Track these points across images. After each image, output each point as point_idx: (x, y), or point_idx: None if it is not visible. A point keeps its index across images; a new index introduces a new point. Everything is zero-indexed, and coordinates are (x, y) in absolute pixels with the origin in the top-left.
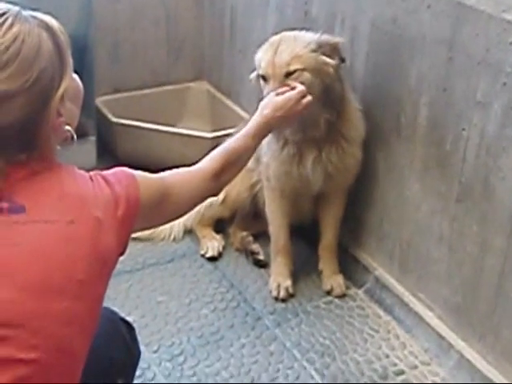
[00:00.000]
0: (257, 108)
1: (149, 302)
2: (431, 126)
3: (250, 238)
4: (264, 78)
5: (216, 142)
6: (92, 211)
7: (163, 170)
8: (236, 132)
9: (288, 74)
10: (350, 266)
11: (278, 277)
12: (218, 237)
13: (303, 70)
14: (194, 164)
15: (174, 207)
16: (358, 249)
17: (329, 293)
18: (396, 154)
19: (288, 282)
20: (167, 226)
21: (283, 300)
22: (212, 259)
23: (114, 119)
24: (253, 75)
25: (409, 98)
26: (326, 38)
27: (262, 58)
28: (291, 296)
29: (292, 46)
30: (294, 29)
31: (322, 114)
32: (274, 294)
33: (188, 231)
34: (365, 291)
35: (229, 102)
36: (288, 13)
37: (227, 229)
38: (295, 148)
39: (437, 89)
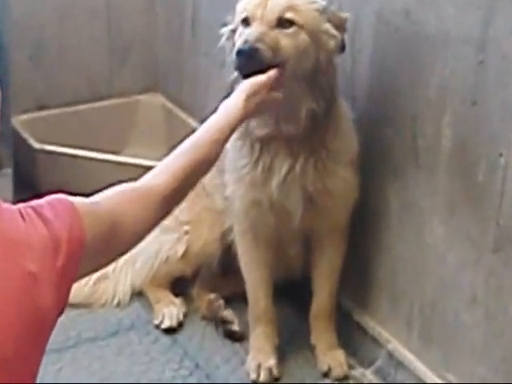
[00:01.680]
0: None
1: None
2: (458, 151)
3: (221, 302)
4: (246, 21)
5: None
6: (24, 263)
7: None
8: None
9: (280, 23)
10: (354, 337)
11: (259, 354)
12: (178, 301)
13: (301, 27)
14: None
15: (124, 241)
16: (365, 314)
17: (326, 375)
18: (413, 186)
19: (271, 361)
20: (109, 286)
21: None
22: (170, 331)
23: (38, 145)
24: (225, 29)
25: (428, 113)
26: (333, 8)
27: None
28: (276, 380)
29: None
30: None
31: (304, 102)
32: (253, 376)
33: (137, 294)
34: (375, 371)
35: (191, 121)
36: None
37: (189, 290)
38: (263, 157)
39: (464, 102)
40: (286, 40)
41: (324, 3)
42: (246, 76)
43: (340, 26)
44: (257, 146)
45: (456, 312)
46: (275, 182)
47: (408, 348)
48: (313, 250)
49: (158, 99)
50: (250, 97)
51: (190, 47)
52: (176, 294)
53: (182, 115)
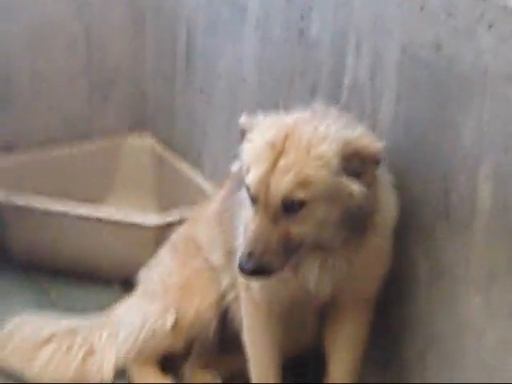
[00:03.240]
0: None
1: None
2: (498, 210)
3: (219, 382)
4: (251, 196)
5: (163, 232)
6: None
7: (81, 275)
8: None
9: (287, 206)
10: None
11: None
12: (168, 380)
13: (314, 202)
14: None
15: None
16: None
17: None
18: (445, 251)
19: None
20: (95, 363)
21: None
22: None
23: (4, 197)
24: (236, 167)
25: (463, 165)
26: (356, 143)
27: (253, 164)
28: None
29: (304, 159)
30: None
31: (337, 236)
32: None
33: (121, 371)
34: None
35: (184, 166)
36: (275, 33)
37: (181, 367)
38: None
39: (506, 151)
40: (297, 228)
41: (343, 144)
42: None
43: (368, 165)
44: None
45: None
46: (309, 273)
47: None
48: (331, 320)
49: (147, 141)
50: None
51: (183, 81)
52: (165, 372)
53: (175, 160)
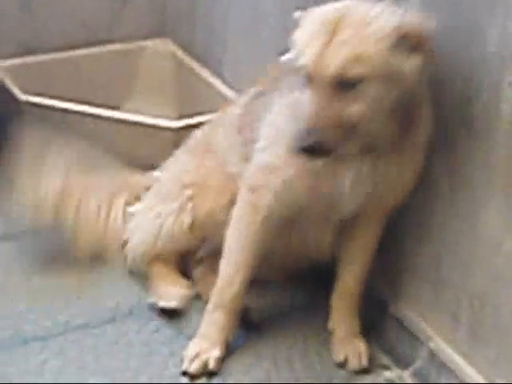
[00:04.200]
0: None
1: None
2: None
3: None
4: (305, 76)
5: (183, 135)
6: None
7: None
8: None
9: (342, 82)
10: (389, 332)
11: (203, 341)
12: (184, 282)
13: (370, 79)
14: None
15: None
16: (403, 305)
17: (342, 365)
18: (465, 160)
19: (213, 353)
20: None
21: (195, 377)
22: (168, 313)
23: (24, 96)
24: (286, 57)
25: (486, 71)
26: (411, 22)
27: (307, 44)
28: (211, 374)
29: (360, 34)
30: None
31: (387, 128)
32: (185, 365)
33: (137, 276)
34: (413, 373)
35: (204, 72)
36: None
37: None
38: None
39: None
40: (354, 106)
41: (399, 22)
42: None
43: (422, 43)
44: None
45: (510, 310)
46: (345, 181)
47: (453, 347)
48: (344, 230)
49: (167, 46)
50: None
51: None
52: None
53: (195, 65)
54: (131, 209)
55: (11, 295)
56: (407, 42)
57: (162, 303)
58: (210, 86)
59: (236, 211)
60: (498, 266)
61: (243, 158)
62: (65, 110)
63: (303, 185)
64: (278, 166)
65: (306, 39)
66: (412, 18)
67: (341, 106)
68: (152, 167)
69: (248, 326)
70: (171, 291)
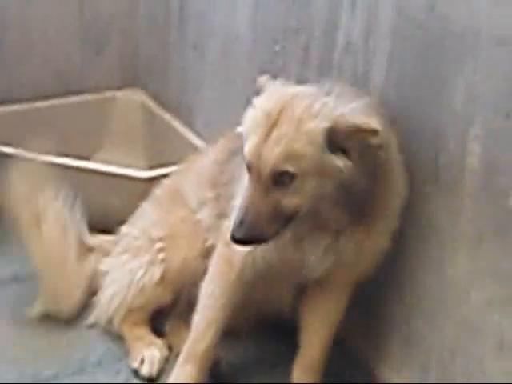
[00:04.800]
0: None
1: None
2: (487, 172)
3: None
4: (246, 164)
5: (154, 185)
6: None
7: None
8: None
9: (277, 177)
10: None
11: None
12: (159, 342)
13: (303, 175)
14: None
15: None
16: (374, 360)
17: None
18: (432, 213)
19: None
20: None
21: None
22: (149, 381)
23: None
24: (240, 129)
25: (453, 127)
26: (346, 121)
27: (250, 133)
28: None
29: (295, 132)
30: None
31: (340, 215)
32: None
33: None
34: None
35: (175, 123)
36: None
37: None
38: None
39: (496, 113)
40: (287, 200)
41: (335, 117)
42: None
43: (356, 139)
44: None
45: (480, 359)
46: (311, 256)
47: None
48: (308, 296)
49: (138, 96)
50: None
51: (176, 36)
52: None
53: (166, 116)
54: (103, 266)
55: None
56: (336, 141)
57: (141, 370)
58: (180, 136)
59: (212, 265)
60: (467, 316)
61: (214, 213)
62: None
63: (270, 246)
64: None
65: (250, 128)
66: (352, 117)
67: (276, 198)
68: (122, 218)
69: (218, 378)
70: (148, 356)
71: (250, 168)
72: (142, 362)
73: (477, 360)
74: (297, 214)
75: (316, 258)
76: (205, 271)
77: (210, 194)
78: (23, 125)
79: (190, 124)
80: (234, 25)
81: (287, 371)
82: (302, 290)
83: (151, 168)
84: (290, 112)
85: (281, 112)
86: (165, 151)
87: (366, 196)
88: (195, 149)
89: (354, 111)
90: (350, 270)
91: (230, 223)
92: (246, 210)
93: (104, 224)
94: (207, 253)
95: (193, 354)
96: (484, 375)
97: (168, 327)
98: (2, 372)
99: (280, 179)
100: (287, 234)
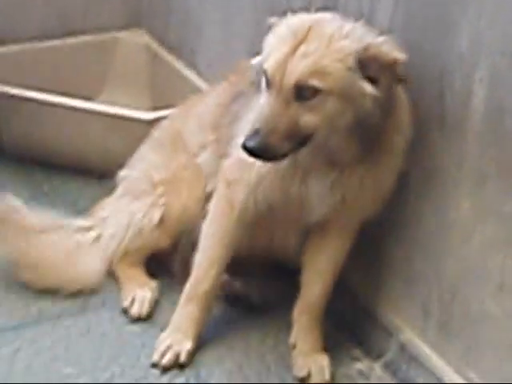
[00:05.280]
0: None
1: (47, 375)
2: (491, 114)
3: (225, 276)
4: (267, 79)
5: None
6: None
7: (74, 168)
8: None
9: (300, 91)
10: (360, 324)
11: (175, 334)
12: (152, 283)
13: (328, 93)
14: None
15: None
16: (374, 298)
17: (303, 380)
18: (437, 154)
19: (185, 346)
20: (79, 263)
21: (166, 369)
22: (137, 320)
23: None
24: (256, 60)
25: (458, 68)
26: (377, 48)
27: (274, 48)
28: (181, 367)
29: (324, 49)
30: None
31: (347, 146)
32: (155, 357)
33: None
34: (384, 365)
35: (178, 64)
36: None
37: (169, 266)
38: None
39: (502, 55)
40: (307, 116)
41: (364, 45)
42: None
43: (385, 71)
44: None
45: (481, 300)
46: (314, 189)
47: (424, 339)
48: (313, 239)
49: (141, 37)
50: None
51: None
52: (152, 273)
53: (169, 57)
54: (102, 212)
55: None
56: (368, 66)
57: (130, 310)
58: (183, 77)
59: (213, 206)
60: (469, 257)
61: (215, 155)
62: (37, 101)
63: (273, 184)
64: (252, 163)
65: (274, 44)
66: (380, 44)
67: (295, 114)
68: (124, 160)
69: (251, 309)
70: (139, 296)
71: (271, 82)
72: (133, 301)
73: (477, 301)
74: (311, 137)
75: (320, 194)
76: (205, 215)
77: (210, 137)
78: (25, 65)
79: (192, 65)
80: None
81: (289, 313)
82: (305, 235)
83: (154, 110)
84: (320, 30)
85: (309, 30)
86: (168, 92)
87: (377, 131)
88: (198, 90)
89: (385, 42)
90: (353, 212)
91: (230, 159)
92: (264, 119)
93: (104, 167)
94: (207, 198)
95: (195, 293)
96: (484, 316)
97: (175, 270)
98: (8, 309)
99: (303, 94)
100: (292, 169)
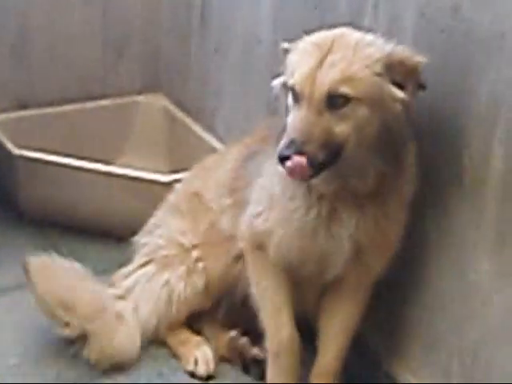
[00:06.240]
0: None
1: None
2: (510, 173)
3: (245, 340)
4: (295, 94)
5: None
6: None
7: (93, 231)
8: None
9: (332, 100)
10: None
11: None
12: (202, 340)
13: (358, 100)
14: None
15: None
16: (395, 362)
17: None
18: (456, 214)
19: None
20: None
21: None
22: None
23: (17, 151)
24: (278, 81)
25: (477, 128)
26: (400, 53)
27: (300, 63)
28: None
29: (350, 57)
30: (347, 25)
31: (373, 164)
32: None
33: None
34: None
35: (197, 127)
36: None
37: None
38: (326, 206)
39: None
40: (340, 126)
41: (388, 51)
42: None
43: (410, 75)
44: (314, 191)
45: (503, 364)
46: (344, 233)
47: None
48: (328, 302)
49: (160, 101)
50: None
51: (198, 40)
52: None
53: (187, 120)
54: (125, 282)
55: None
56: (394, 71)
57: (197, 371)
58: (202, 140)
59: (251, 272)
60: (489, 319)
61: (234, 219)
62: (58, 164)
63: (296, 245)
64: (275, 229)
65: (299, 60)
66: (402, 50)
67: (327, 123)
68: (143, 222)
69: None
70: (201, 356)
71: (300, 95)
72: (196, 362)
73: (499, 365)
74: (343, 148)
75: (342, 240)
76: (238, 276)
77: (228, 201)
78: (45, 129)
79: (211, 128)
80: (255, 28)
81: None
82: (322, 293)
83: (173, 173)
84: (343, 41)
85: (333, 42)
86: (186, 156)
87: (396, 152)
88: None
89: (406, 49)
90: (367, 263)
91: (247, 215)
92: (298, 129)
93: (123, 230)
94: (236, 260)
95: (277, 345)
96: (506, 379)
97: (207, 332)
98: None
99: (334, 103)
100: (314, 221)
